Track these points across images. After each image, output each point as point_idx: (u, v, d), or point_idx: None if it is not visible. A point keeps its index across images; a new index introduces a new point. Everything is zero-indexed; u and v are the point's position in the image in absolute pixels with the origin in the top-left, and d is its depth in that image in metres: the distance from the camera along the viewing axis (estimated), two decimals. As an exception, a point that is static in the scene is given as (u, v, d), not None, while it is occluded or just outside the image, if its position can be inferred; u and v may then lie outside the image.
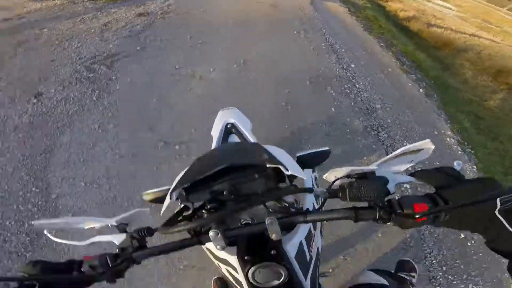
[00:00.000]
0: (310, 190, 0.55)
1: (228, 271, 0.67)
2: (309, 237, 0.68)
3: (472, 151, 2.91)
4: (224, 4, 5.20)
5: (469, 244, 2.05)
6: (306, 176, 0.58)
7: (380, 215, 0.46)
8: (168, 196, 0.57)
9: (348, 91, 3.11)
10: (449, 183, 0.47)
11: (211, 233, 0.50)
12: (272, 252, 0.59)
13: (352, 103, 2.95)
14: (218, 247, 0.51)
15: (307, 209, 0.60)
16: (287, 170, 0.54)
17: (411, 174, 0.51)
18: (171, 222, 0.57)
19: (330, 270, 1.75)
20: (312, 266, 0.68)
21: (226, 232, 0.51)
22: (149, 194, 0.81)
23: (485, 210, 0.41)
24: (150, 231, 0.55)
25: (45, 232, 0.60)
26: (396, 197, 0.49)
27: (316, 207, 0.64)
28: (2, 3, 7.93)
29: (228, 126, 1.15)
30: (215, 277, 1.71)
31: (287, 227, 0.65)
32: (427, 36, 10.87)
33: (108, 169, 2.28)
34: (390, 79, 3.81)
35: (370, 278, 0.89)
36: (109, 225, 0.59)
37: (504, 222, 0.39)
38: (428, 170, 0.49)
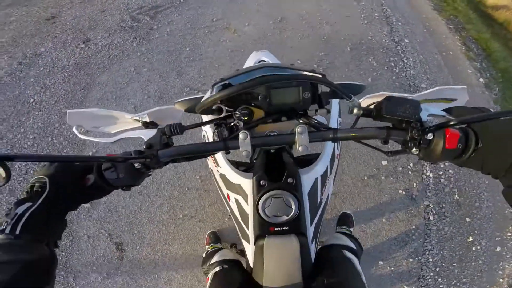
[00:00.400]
0: (349, 97, 0.49)
1: (237, 202, 0.64)
2: (324, 177, 0.64)
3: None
4: None
5: (473, 249, 1.84)
6: (342, 89, 0.50)
7: (411, 135, 0.43)
8: (208, 92, 0.55)
9: (393, 64, 2.76)
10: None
11: (240, 135, 0.47)
12: (289, 180, 0.57)
13: (394, 77, 2.63)
14: (243, 152, 0.48)
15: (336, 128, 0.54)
16: (327, 82, 0.50)
17: (446, 110, 0.47)
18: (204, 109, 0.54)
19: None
20: (319, 212, 0.64)
21: (254, 139, 0.48)
22: (181, 102, 0.79)
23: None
24: (181, 128, 0.51)
25: (74, 129, 0.60)
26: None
27: None
28: None
29: (261, 62, 1.11)
30: (209, 231, 1.72)
31: (305, 163, 0.64)
32: (513, 28, 9.18)
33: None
34: (447, 61, 3.32)
35: (342, 241, 0.86)
36: (139, 120, 0.58)
37: None
38: (464, 107, 0.45)
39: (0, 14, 4.47)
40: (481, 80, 3.40)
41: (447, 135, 0.41)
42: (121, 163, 0.46)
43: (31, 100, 2.50)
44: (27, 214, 0.40)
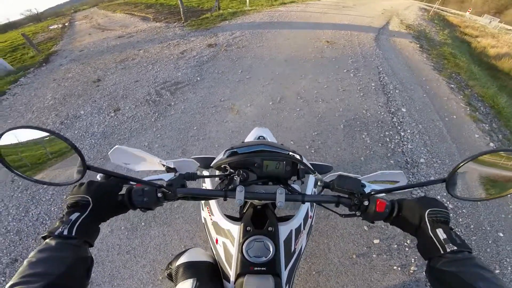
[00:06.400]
0: (312, 171, 0.64)
1: (224, 245, 0.70)
2: (298, 231, 0.73)
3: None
4: (281, 41, 4.99)
5: None
6: (314, 172, 0.66)
7: (354, 202, 0.55)
8: (220, 154, 0.66)
9: (388, 139, 2.46)
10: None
11: (238, 188, 0.57)
12: (269, 228, 0.66)
13: (389, 154, 2.31)
14: (237, 201, 0.57)
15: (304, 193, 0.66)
16: (302, 163, 0.64)
17: (384, 191, 0.57)
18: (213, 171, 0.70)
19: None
20: (293, 260, 0.70)
21: (247, 193, 0.58)
22: (197, 158, 0.89)
23: (418, 216, 0.50)
24: (196, 176, 0.63)
25: (111, 159, 0.71)
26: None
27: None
28: (124, 22, 9.69)
29: (260, 138, 1.23)
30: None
31: (285, 220, 0.73)
32: (523, 76, 8.37)
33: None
34: (450, 128, 2.95)
35: None
36: (164, 165, 0.70)
37: (428, 225, 0.48)
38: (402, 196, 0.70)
39: (63, 68, 5.16)
40: (492, 144, 2.96)
41: (378, 203, 0.53)
42: (148, 190, 0.55)
43: (58, 159, 2.57)
44: (79, 221, 0.47)
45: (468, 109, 3.47)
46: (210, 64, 3.98)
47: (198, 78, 3.63)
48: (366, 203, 0.54)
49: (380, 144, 2.41)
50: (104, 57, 5.29)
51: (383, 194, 0.58)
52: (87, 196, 0.51)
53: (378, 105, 2.92)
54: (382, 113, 2.79)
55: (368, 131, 2.52)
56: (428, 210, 0.49)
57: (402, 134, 2.60)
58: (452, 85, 4.11)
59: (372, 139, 2.45)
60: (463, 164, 0.44)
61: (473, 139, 2.94)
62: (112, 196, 0.55)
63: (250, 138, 1.25)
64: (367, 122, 2.63)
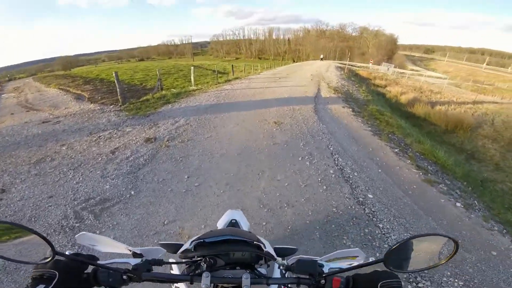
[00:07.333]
0: (274, 258, 0.67)
1: None
2: None
3: None
4: (231, 127, 4.83)
5: None
6: (276, 257, 0.68)
7: (312, 283, 0.60)
8: (188, 243, 0.68)
9: (370, 237, 2.20)
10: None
11: (204, 274, 0.60)
12: None
13: (377, 254, 2.03)
14: (203, 286, 0.58)
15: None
16: (265, 252, 0.66)
17: (337, 271, 0.60)
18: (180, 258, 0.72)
19: None
20: None
21: (213, 278, 0.60)
22: (164, 244, 0.88)
23: (372, 287, 0.53)
24: (162, 262, 0.66)
25: (77, 239, 0.67)
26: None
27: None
28: (56, 100, 8.68)
29: (233, 221, 1.22)
30: None
31: None
32: (436, 119, 10.14)
33: None
34: (417, 201, 2.89)
35: None
36: (131, 250, 0.69)
37: None
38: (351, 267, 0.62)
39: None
40: (458, 204, 2.93)
41: (333, 280, 0.57)
42: (114, 273, 0.57)
43: None
44: None
45: (420, 173, 3.60)
46: (148, 169, 3.33)
47: (132, 192, 2.88)
48: (323, 282, 0.59)
49: (364, 245, 2.15)
50: (18, 153, 4.16)
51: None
52: (54, 271, 0.52)
53: (345, 197, 2.73)
54: (353, 206, 2.59)
55: (347, 234, 2.23)
56: (380, 283, 0.52)
57: (381, 226, 2.38)
58: (396, 150, 4.37)
59: (354, 241, 2.18)
60: (396, 247, 0.51)
61: (441, 205, 2.92)
62: (78, 273, 0.56)
63: (222, 221, 1.25)
64: (341, 222, 2.36)
